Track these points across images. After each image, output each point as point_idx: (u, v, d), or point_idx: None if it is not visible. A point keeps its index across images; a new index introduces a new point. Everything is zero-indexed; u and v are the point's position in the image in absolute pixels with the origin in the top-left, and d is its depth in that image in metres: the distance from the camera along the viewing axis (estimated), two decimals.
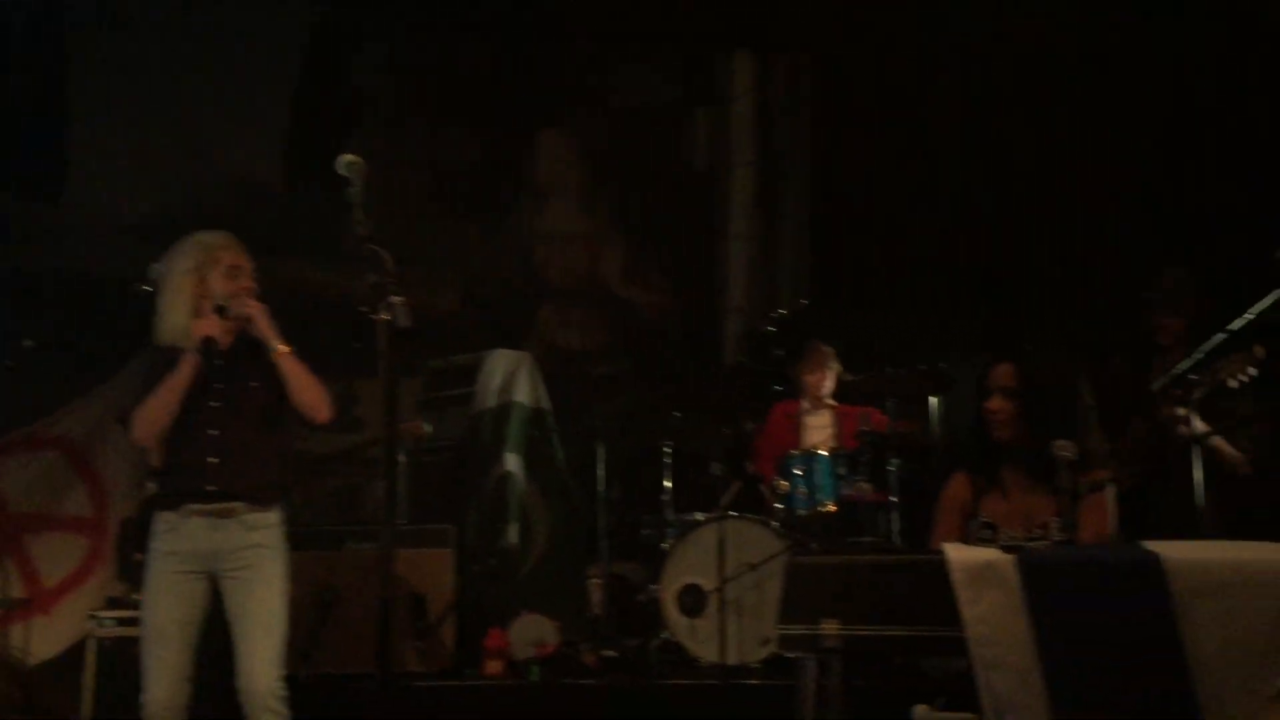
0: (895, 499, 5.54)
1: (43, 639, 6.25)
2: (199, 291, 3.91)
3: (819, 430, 6.20)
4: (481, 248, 8.22)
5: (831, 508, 5.66)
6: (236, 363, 3.87)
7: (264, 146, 7.75)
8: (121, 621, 6.04)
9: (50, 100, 7.31)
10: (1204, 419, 4.07)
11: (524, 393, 6.66)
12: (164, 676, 3.70)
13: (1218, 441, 4.16)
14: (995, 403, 3.77)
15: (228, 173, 7.65)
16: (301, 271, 7.13)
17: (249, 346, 3.88)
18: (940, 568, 3.00)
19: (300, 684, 4.23)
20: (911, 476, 5.66)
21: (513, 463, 6.49)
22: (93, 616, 6.08)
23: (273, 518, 3.86)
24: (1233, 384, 3.99)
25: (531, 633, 5.74)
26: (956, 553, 3.04)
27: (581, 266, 8.22)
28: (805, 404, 6.31)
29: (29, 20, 7.33)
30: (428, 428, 5.57)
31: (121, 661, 5.78)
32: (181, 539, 3.75)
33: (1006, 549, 3.12)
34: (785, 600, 3.12)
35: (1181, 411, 4.01)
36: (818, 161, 8.17)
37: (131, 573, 6.41)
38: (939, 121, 7.61)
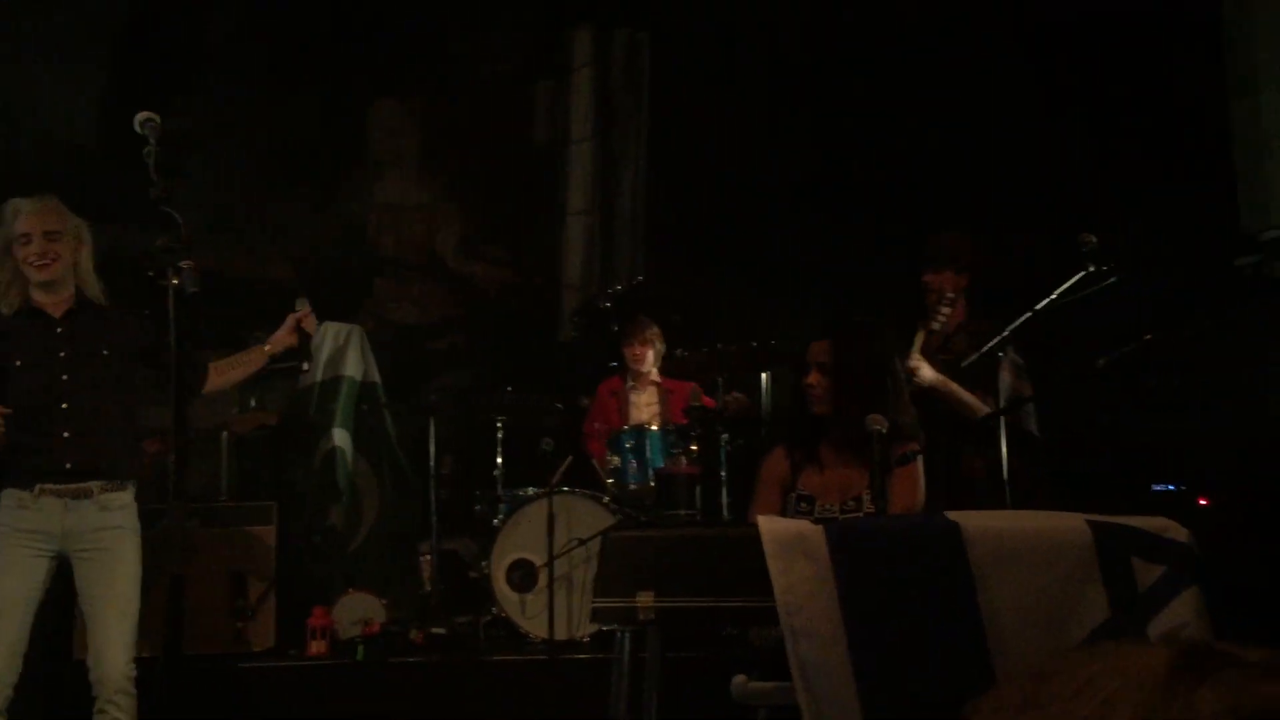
0: (724, 473, 5.62)
1: None
2: (11, 264, 3.74)
3: (645, 407, 6.24)
4: (316, 218, 7.99)
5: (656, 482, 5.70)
6: (80, 330, 3.72)
7: (77, 105, 7.36)
8: None
9: None
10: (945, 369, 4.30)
11: (353, 366, 6.50)
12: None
13: (953, 387, 4.37)
14: (812, 377, 3.84)
15: (36, 132, 7.23)
16: (121, 238, 6.82)
17: (91, 312, 3.73)
18: (754, 540, 3.04)
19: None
20: (740, 450, 5.75)
21: (340, 437, 6.33)
22: None
23: (127, 497, 3.74)
24: (935, 325, 4.29)
25: (357, 611, 5.64)
26: (769, 524, 3.08)
27: (418, 239, 8.07)
28: (630, 380, 6.33)
29: None
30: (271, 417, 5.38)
31: None
32: (32, 518, 3.59)
33: (818, 521, 3.19)
34: (601, 574, 3.12)
35: (913, 363, 4.25)
36: (655, 138, 8.19)
37: None
38: (774, 97, 7.72)
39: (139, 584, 3.71)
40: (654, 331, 6.29)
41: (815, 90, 7.62)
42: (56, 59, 7.27)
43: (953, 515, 3.05)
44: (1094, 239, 4.11)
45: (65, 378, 3.67)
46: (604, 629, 4.15)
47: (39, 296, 3.72)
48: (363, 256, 8.11)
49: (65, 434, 3.62)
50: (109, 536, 3.67)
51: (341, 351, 6.50)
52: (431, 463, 6.07)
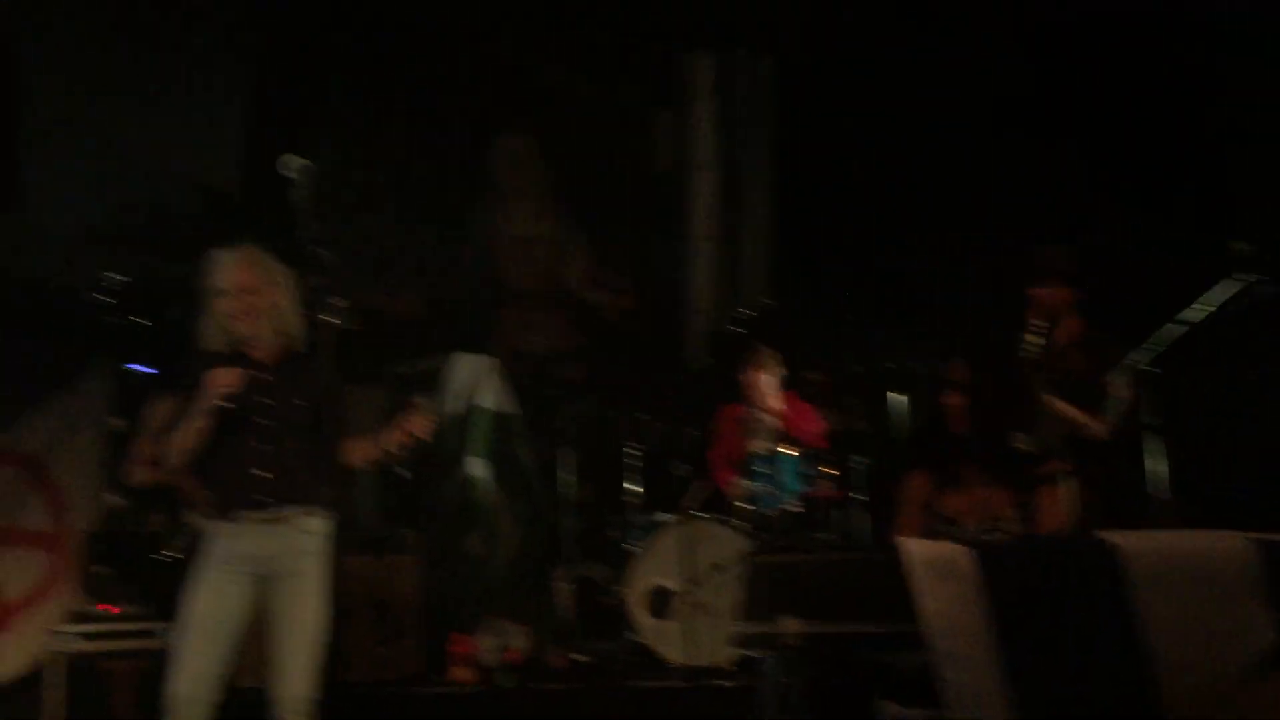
0: (860, 496, 5.55)
1: (4, 656, 6.16)
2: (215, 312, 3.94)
3: (767, 432, 6.19)
4: (443, 252, 8.17)
5: (798, 507, 5.67)
6: (280, 375, 3.90)
7: (220, 150, 7.68)
8: (86, 636, 5.98)
9: (4, 115, 7.22)
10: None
11: (488, 397, 6.63)
12: (188, 668, 3.69)
13: (1059, 406, 4.23)
14: (951, 398, 3.78)
15: (188, 179, 7.57)
16: None
17: (291, 357, 3.90)
18: (898, 564, 3.01)
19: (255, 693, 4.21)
20: (873, 472, 5.67)
21: (477, 467, 6.45)
22: (56, 632, 6.01)
23: (320, 525, 3.88)
24: (1030, 351, 4.17)
25: (499, 637, 5.72)
26: (914, 547, 3.05)
27: (543, 269, 8.18)
28: (750, 407, 6.29)
29: None
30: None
31: (88, 677, 5.73)
32: (236, 543, 3.77)
33: (964, 542, 3.13)
34: (745, 598, 3.11)
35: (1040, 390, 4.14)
36: (779, 162, 8.17)
37: (94, 586, 6.34)
38: (900, 121, 7.63)
39: (326, 611, 3.85)
40: (772, 357, 6.25)
41: (940, 108, 7.52)
42: (199, 108, 7.61)
43: (1109, 535, 2.97)
44: (1246, 246, 3.95)
45: (268, 420, 3.85)
46: (749, 654, 4.14)
47: (243, 342, 3.89)
48: (491, 288, 8.26)
49: (264, 473, 3.80)
50: (304, 562, 3.84)
51: (477, 383, 6.63)
52: (566, 490, 6.14)
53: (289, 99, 7.92)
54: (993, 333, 3.98)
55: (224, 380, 3.75)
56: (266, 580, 3.83)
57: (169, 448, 3.84)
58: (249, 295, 3.82)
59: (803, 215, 7.87)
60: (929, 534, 3.80)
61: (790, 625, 3.06)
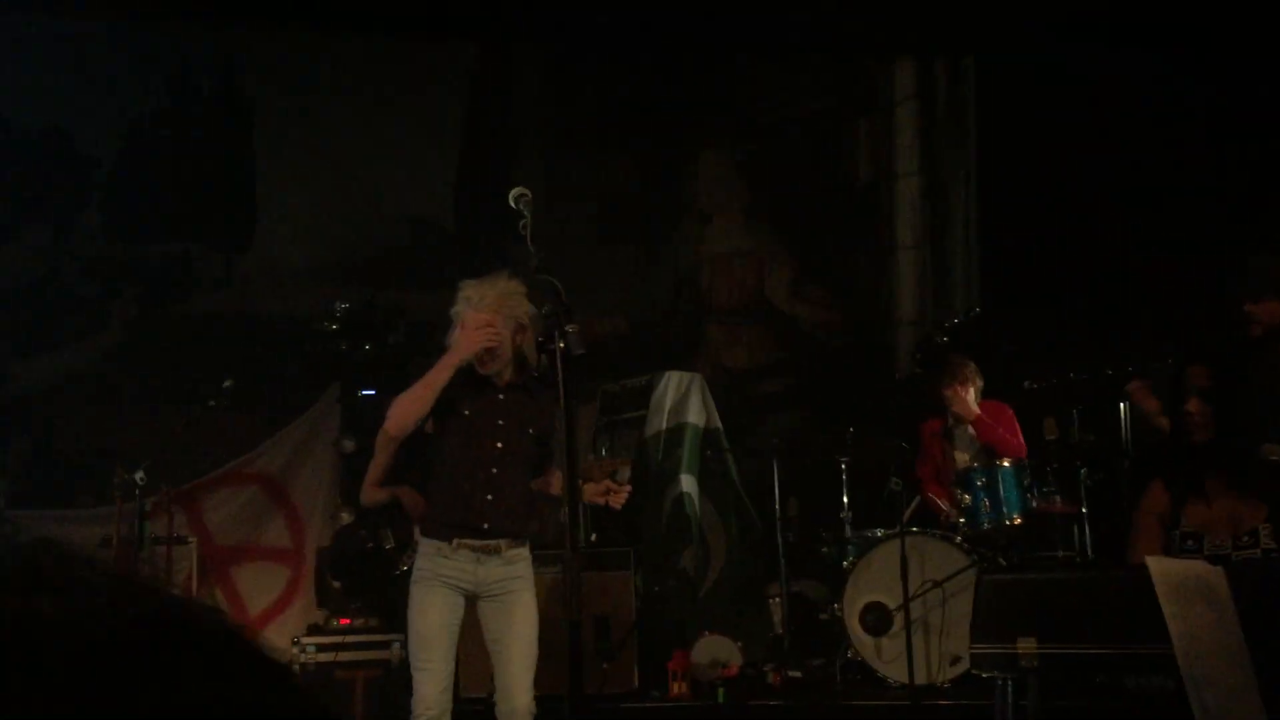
0: (1085, 510, 5.34)
1: None
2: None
3: (969, 444, 6.01)
4: (646, 270, 8.29)
5: (1017, 520, 5.49)
6: (515, 405, 3.99)
7: (433, 186, 8.02)
8: (322, 648, 6.31)
9: (238, 157, 7.77)
10: None
11: (696, 413, 6.67)
12: (431, 679, 3.87)
13: None
14: (1193, 405, 3.59)
15: (400, 213, 7.95)
16: None
17: (527, 388, 4.01)
18: (1143, 582, 2.87)
19: (485, 703, 4.35)
20: (1100, 485, 5.44)
21: (688, 483, 6.50)
22: (295, 643, 6.37)
23: (526, 552, 4.03)
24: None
25: (715, 653, 5.74)
26: (1160, 565, 2.91)
27: (747, 284, 8.20)
28: (950, 421, 6.12)
29: (216, 84, 7.81)
30: (624, 474, 5.61)
31: (324, 687, 6.03)
32: (448, 566, 3.92)
33: (1213, 560, 2.97)
34: (978, 618, 3.03)
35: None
36: (985, 166, 7.96)
37: (330, 600, 6.69)
38: (1110, 119, 7.32)
39: (537, 626, 3.97)
40: (971, 370, 6.05)
41: (1150, 101, 7.16)
42: (414, 150, 7.97)
43: None
44: None
45: (499, 446, 3.95)
46: (977, 673, 4.02)
47: (482, 368, 3.97)
48: (694, 305, 8.32)
49: (488, 497, 3.91)
50: (512, 584, 3.96)
51: (684, 399, 6.69)
52: (776, 505, 6.12)
53: (493, 134, 8.20)
54: (1237, 332, 3.76)
55: (472, 338, 3.77)
56: (478, 599, 3.97)
57: (399, 404, 3.90)
58: (492, 325, 3.89)
59: (1011, 218, 7.63)
60: (1169, 550, 3.61)
61: (1027, 646, 2.96)
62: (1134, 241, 7.02)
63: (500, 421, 3.95)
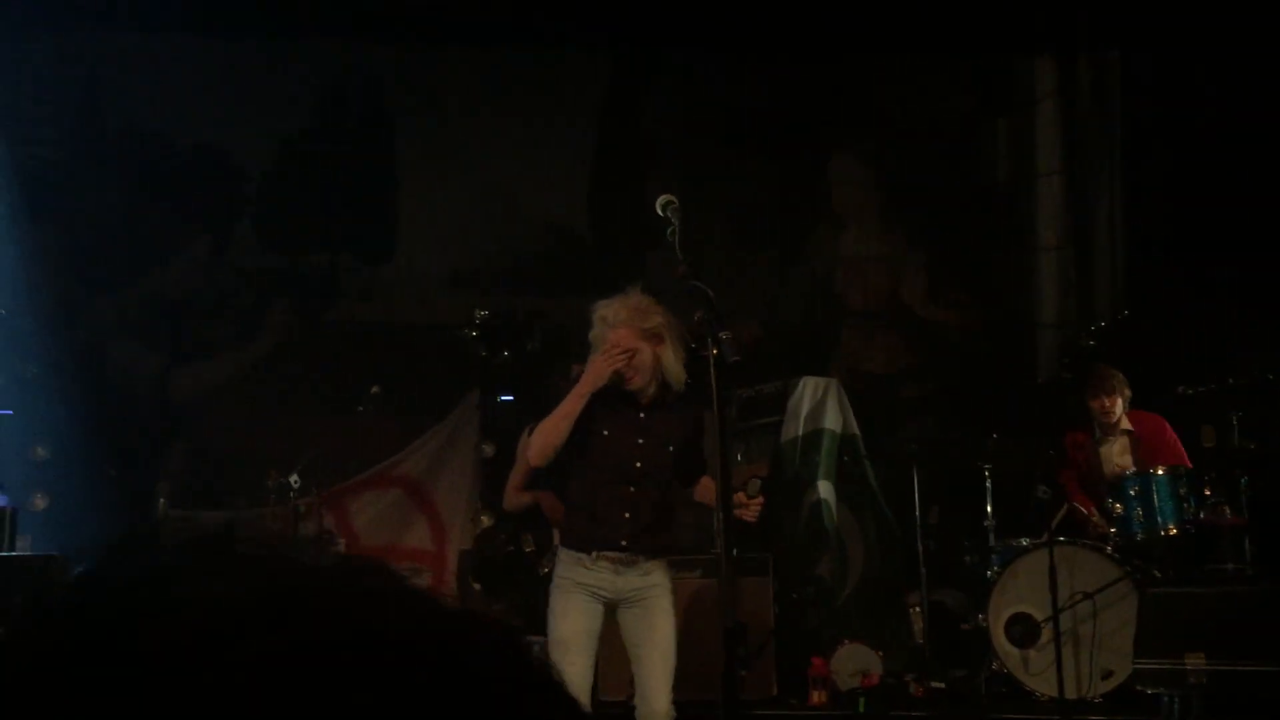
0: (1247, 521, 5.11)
1: None
2: None
3: (1117, 458, 5.80)
4: (782, 276, 8.25)
5: (1172, 531, 5.30)
6: (657, 423, 4.03)
7: (569, 195, 8.13)
8: None
9: (382, 170, 8.00)
10: None
11: (832, 418, 6.62)
12: (569, 683, 3.90)
13: None
14: None
15: (537, 222, 8.07)
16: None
17: (669, 406, 4.04)
18: None
19: (624, 706, 4.39)
20: (1262, 495, 5.22)
21: (825, 489, 6.45)
22: None
23: (663, 564, 4.08)
24: None
25: (855, 662, 5.68)
26: None
27: (883, 289, 8.10)
28: (1098, 432, 5.92)
29: (362, 103, 8.07)
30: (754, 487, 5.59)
31: None
32: (588, 575, 3.99)
33: None
34: (1143, 632, 2.94)
35: None
36: (1130, 165, 7.70)
37: (471, 602, 6.83)
38: (1260, 111, 7.01)
39: (675, 631, 4.02)
40: (1119, 380, 5.85)
41: None
42: (550, 159, 8.09)
43: None
44: None
45: (639, 464, 3.98)
46: (1141, 689, 3.90)
47: (625, 386, 3.99)
48: (829, 310, 8.25)
49: (626, 514, 3.96)
50: (650, 592, 4.01)
51: (821, 405, 6.64)
52: (917, 512, 6.02)
53: (628, 142, 8.26)
54: None
55: (602, 366, 3.82)
56: (617, 607, 4.02)
57: (539, 435, 3.99)
58: (631, 357, 3.92)
59: (1159, 218, 7.37)
60: None
61: (1195, 662, 2.86)
62: None
63: (640, 440, 3.99)
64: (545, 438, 3.98)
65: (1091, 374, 5.94)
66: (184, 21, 7.34)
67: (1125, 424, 5.86)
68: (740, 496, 3.91)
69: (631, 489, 3.96)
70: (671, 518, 4.13)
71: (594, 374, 3.91)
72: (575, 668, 3.95)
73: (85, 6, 7.22)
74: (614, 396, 3.98)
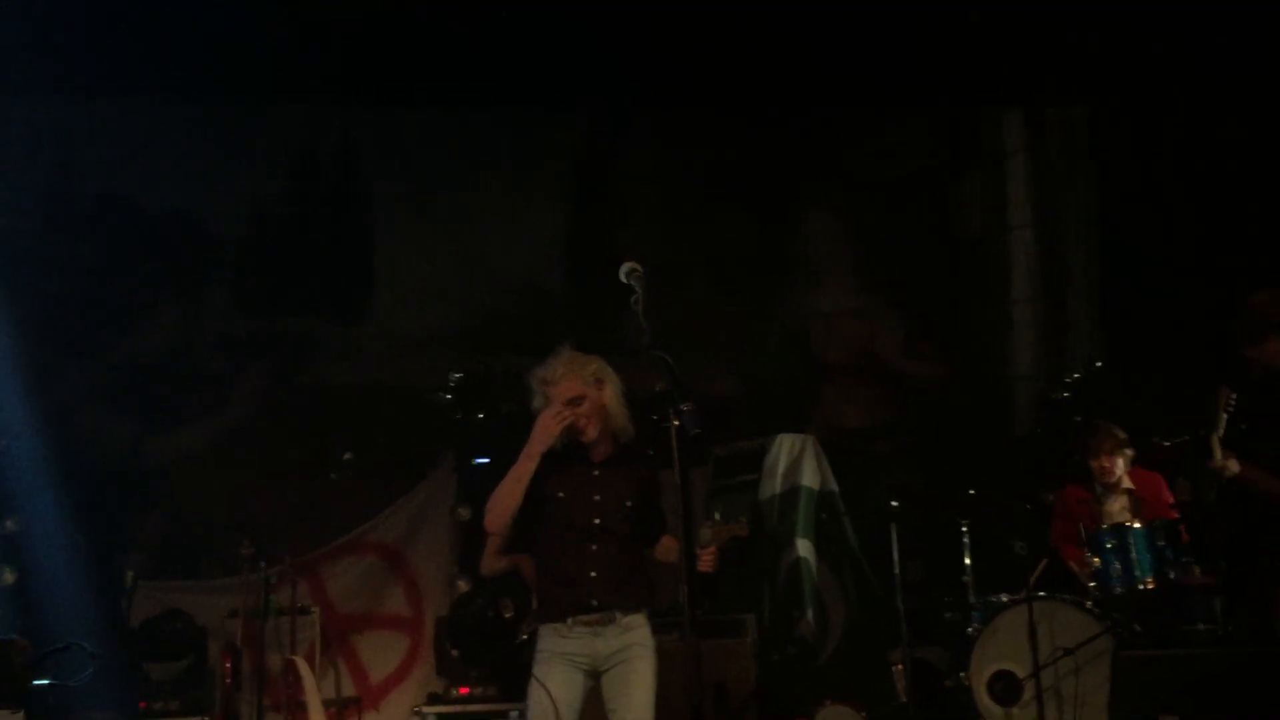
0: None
1: None
2: None
3: (1117, 515, 5.75)
4: (758, 330, 8.26)
5: (1150, 584, 5.27)
6: (610, 475, 4.02)
7: (544, 252, 8.13)
8: (443, 716, 6.35)
9: (357, 232, 8.00)
10: None
11: (810, 475, 6.59)
12: None
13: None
14: None
15: (512, 281, 8.06)
16: None
17: (622, 459, 4.04)
18: None
19: None
20: (1237, 551, 5.19)
21: (804, 548, 6.41)
22: (416, 712, 6.42)
23: (643, 619, 4.02)
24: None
25: None
26: None
27: (860, 343, 8.11)
28: (1099, 489, 5.87)
29: (335, 163, 8.09)
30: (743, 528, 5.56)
31: None
32: (566, 644, 3.95)
33: None
34: (1116, 695, 2.91)
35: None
36: (1103, 218, 7.76)
37: (449, 669, 6.74)
38: (1235, 162, 7.08)
39: (654, 694, 3.94)
40: (1122, 438, 5.81)
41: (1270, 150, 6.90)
42: (525, 218, 8.11)
43: None
44: None
45: (597, 521, 3.96)
46: None
47: (575, 442, 4.01)
48: (806, 365, 8.25)
49: (592, 573, 3.92)
50: (630, 653, 3.94)
51: (798, 462, 6.62)
52: (896, 569, 5.99)
53: (602, 197, 8.29)
54: None
55: (548, 424, 3.84)
56: (597, 673, 3.96)
57: (494, 502, 3.95)
58: (578, 407, 3.94)
59: (1132, 271, 7.41)
60: None
61: None
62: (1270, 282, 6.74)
63: (596, 497, 3.97)
64: (499, 503, 3.95)
65: (1093, 433, 5.88)
66: (156, 87, 7.35)
67: (1127, 483, 5.81)
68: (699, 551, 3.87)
69: (594, 546, 3.93)
70: (642, 574, 4.06)
71: (542, 432, 3.91)
72: None
73: (57, 73, 7.23)
74: (566, 457, 3.97)
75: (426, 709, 6.41)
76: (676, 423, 3.04)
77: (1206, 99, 7.11)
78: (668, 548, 4.04)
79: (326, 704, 6.17)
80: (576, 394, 3.94)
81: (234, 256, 7.88)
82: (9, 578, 6.23)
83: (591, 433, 3.95)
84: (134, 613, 6.52)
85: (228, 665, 5.71)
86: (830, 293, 8.20)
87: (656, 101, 8.15)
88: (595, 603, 3.90)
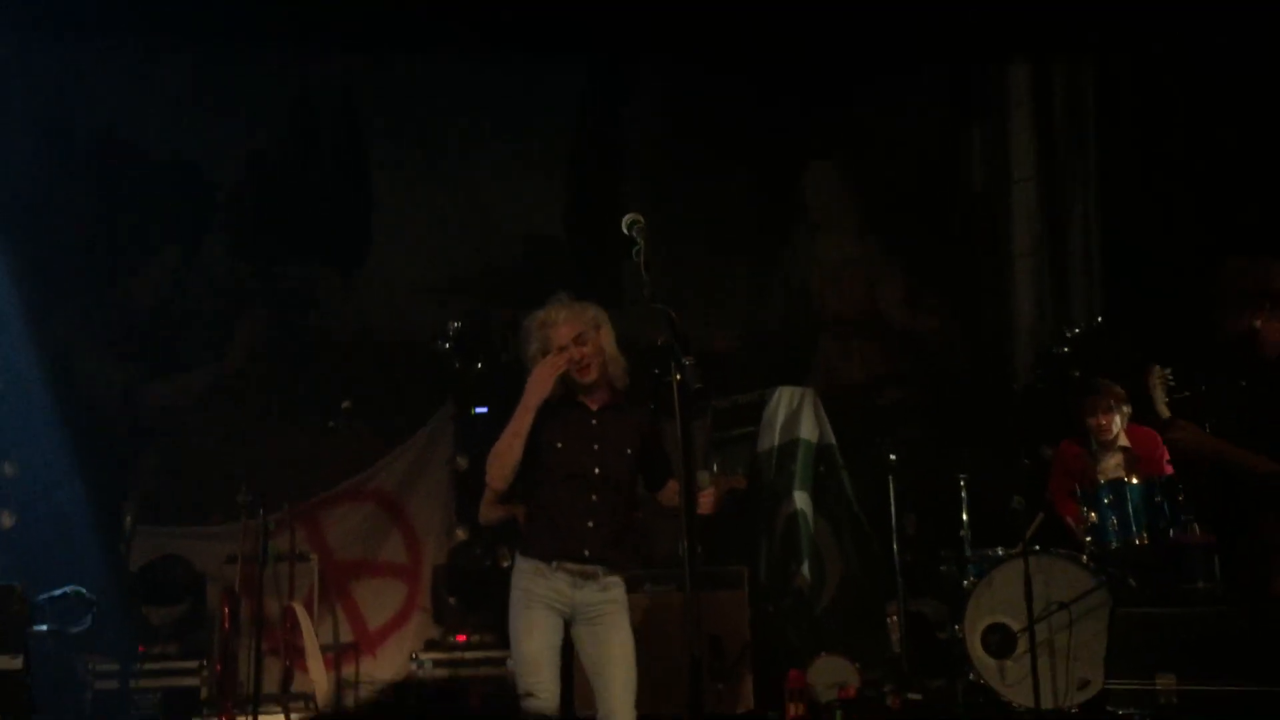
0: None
1: (370, 679, 6.69)
2: None
3: (1112, 472, 5.75)
4: (758, 284, 8.23)
5: (1145, 540, 5.28)
6: (609, 423, 4.00)
7: (544, 204, 8.08)
8: (440, 663, 6.40)
9: (355, 180, 7.94)
10: None
11: (808, 429, 6.60)
12: (541, 704, 3.87)
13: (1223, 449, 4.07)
14: None
15: (512, 231, 8.01)
16: None
17: (620, 408, 4.02)
18: None
19: None
20: (1235, 509, 5.20)
21: (801, 500, 6.43)
22: (414, 659, 6.47)
23: (620, 581, 4.02)
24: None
25: (832, 674, 5.67)
26: None
27: (860, 296, 8.08)
28: (1094, 446, 5.86)
29: (334, 111, 8.00)
30: (741, 481, 5.56)
31: (439, 701, 6.07)
32: (544, 586, 3.93)
33: None
34: (1113, 652, 2.92)
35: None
36: (1106, 169, 7.70)
37: (447, 616, 6.78)
38: (1239, 115, 7.01)
39: (633, 650, 3.96)
40: (1119, 394, 5.79)
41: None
42: (526, 169, 8.05)
43: None
44: None
45: (597, 470, 3.93)
46: (1112, 711, 3.88)
47: (578, 390, 4.00)
48: (807, 319, 8.22)
49: (589, 524, 3.91)
50: (607, 608, 3.95)
51: (796, 415, 6.62)
52: (893, 522, 6.01)
53: (604, 149, 8.22)
54: None
55: (543, 374, 3.83)
56: (573, 623, 3.96)
57: (494, 458, 3.95)
58: (582, 345, 3.92)
59: (1135, 222, 7.36)
60: None
61: (1166, 683, 2.84)
62: (1270, 243, 6.71)
63: (596, 446, 3.95)
64: (500, 459, 3.93)
65: (1089, 390, 5.86)
66: (154, 28, 7.25)
67: (1123, 440, 5.80)
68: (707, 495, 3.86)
69: (594, 497, 3.91)
70: (635, 530, 4.07)
71: (538, 383, 3.89)
72: (546, 684, 3.91)
73: (55, 15, 7.13)
74: (563, 407, 3.95)
75: (424, 655, 6.46)
76: (678, 376, 3.00)
77: (1211, 52, 7.02)
78: (675, 490, 4.01)
79: (324, 650, 6.21)
80: (579, 332, 3.91)
81: (231, 203, 7.82)
82: (8, 521, 6.25)
83: (594, 372, 3.92)
84: (132, 557, 6.55)
85: (226, 610, 5.73)
86: (831, 245, 8.16)
87: (659, 52, 8.06)
88: (587, 553, 3.90)
